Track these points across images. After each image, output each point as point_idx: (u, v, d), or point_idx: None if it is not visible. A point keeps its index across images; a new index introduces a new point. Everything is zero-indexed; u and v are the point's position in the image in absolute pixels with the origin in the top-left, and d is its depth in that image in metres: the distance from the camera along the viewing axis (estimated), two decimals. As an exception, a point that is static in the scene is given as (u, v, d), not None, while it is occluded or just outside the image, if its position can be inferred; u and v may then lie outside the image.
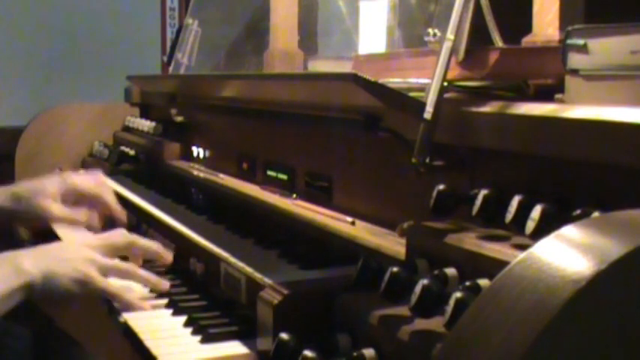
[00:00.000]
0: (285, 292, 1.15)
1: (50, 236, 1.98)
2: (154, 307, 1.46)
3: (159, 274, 1.65)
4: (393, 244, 1.28)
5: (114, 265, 1.47)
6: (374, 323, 1.02)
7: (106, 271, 1.44)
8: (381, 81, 1.26)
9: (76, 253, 1.44)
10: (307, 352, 1.01)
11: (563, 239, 0.67)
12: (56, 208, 1.69)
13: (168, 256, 1.59)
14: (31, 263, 1.36)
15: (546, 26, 1.38)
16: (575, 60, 1.07)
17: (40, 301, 1.46)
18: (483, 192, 1.06)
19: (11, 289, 1.32)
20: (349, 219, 1.49)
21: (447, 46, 1.21)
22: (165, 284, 1.51)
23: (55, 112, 3.20)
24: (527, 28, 1.40)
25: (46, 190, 1.70)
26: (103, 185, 1.79)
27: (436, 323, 0.93)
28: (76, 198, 1.74)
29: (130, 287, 1.50)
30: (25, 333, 1.57)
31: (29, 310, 1.73)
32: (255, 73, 2.29)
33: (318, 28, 2.45)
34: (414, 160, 1.19)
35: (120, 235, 1.56)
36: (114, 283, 1.45)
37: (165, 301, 1.49)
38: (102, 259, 1.45)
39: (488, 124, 1.14)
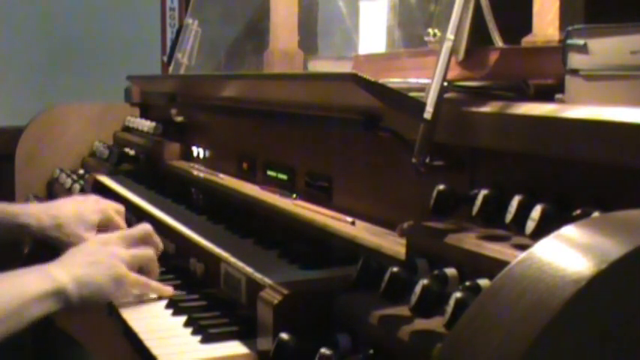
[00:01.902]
0: (285, 292, 1.15)
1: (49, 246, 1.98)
2: (154, 306, 1.47)
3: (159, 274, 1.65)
4: (393, 244, 1.28)
5: (137, 254, 1.50)
6: (374, 323, 1.02)
7: (132, 264, 1.47)
8: (381, 81, 1.26)
9: (101, 254, 1.46)
10: (324, 350, 1.01)
11: (563, 239, 0.67)
12: (92, 239, 1.69)
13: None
14: (59, 271, 1.36)
15: (546, 26, 1.38)
16: (575, 60, 1.07)
17: (80, 310, 1.42)
18: (483, 192, 1.06)
19: (43, 292, 1.32)
20: (349, 219, 1.49)
21: (447, 46, 1.21)
22: (169, 290, 1.53)
23: (55, 112, 3.21)
24: (527, 28, 1.40)
25: (87, 220, 1.74)
26: (122, 218, 1.83)
27: (436, 323, 0.93)
28: (103, 224, 1.78)
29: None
30: (25, 333, 1.57)
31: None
32: (255, 73, 2.29)
33: (318, 28, 2.45)
34: (414, 160, 1.19)
35: (137, 228, 1.60)
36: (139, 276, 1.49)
37: (165, 301, 1.49)
38: (125, 252, 1.48)
39: (488, 124, 1.14)
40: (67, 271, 1.37)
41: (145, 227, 1.59)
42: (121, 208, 1.86)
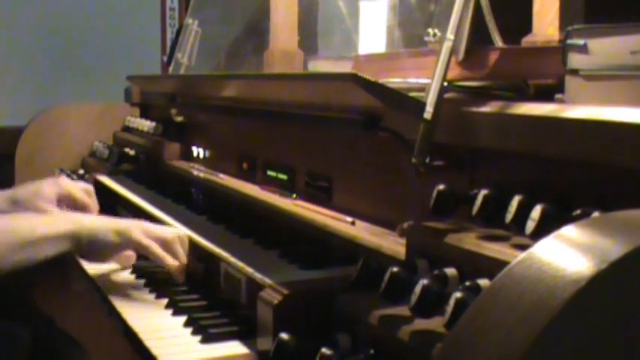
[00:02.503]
0: (285, 292, 1.15)
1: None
2: (154, 306, 1.47)
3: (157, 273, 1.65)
4: (393, 244, 1.28)
5: (156, 231, 1.60)
6: (374, 323, 1.02)
7: (146, 233, 1.58)
8: (381, 81, 1.25)
9: (123, 219, 1.68)
10: (324, 350, 1.01)
11: (563, 239, 0.67)
12: (52, 211, 1.75)
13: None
14: (83, 217, 1.60)
15: (546, 26, 1.38)
16: (575, 60, 1.07)
17: (83, 255, 1.62)
18: (483, 192, 1.06)
19: (59, 233, 1.50)
20: (349, 219, 1.49)
21: (447, 46, 1.21)
22: (175, 263, 1.58)
23: (55, 112, 3.21)
24: (527, 28, 1.40)
25: (43, 193, 1.79)
26: (92, 199, 1.89)
27: (436, 323, 0.93)
28: (68, 203, 1.84)
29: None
30: (25, 333, 1.57)
31: (29, 310, 1.74)
32: (255, 73, 2.29)
33: (318, 28, 2.44)
34: (414, 160, 1.19)
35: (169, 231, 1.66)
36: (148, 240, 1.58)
37: (165, 301, 1.49)
38: (146, 225, 1.62)
39: (488, 124, 1.14)
40: (87, 218, 1.58)
41: (176, 233, 1.64)
42: (89, 187, 1.92)
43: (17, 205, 1.76)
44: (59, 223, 1.53)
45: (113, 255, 1.63)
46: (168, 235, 1.60)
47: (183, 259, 1.59)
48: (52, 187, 1.82)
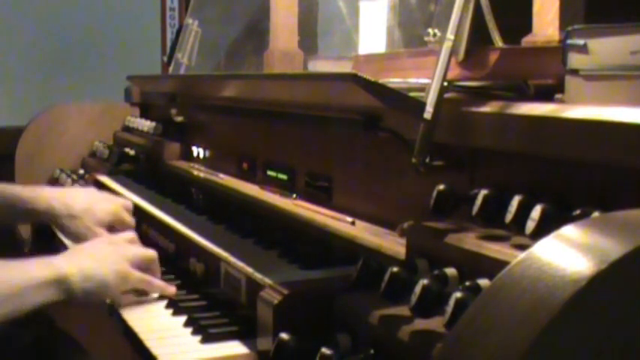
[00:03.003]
0: (285, 292, 1.15)
1: (49, 234, 2.00)
2: (154, 306, 1.47)
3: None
4: (393, 244, 1.28)
5: (141, 254, 1.52)
6: (374, 323, 1.02)
7: (136, 263, 1.49)
8: (381, 81, 1.25)
9: (107, 250, 1.49)
10: (324, 350, 1.01)
11: (563, 239, 0.67)
12: (100, 235, 1.73)
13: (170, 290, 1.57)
14: (63, 262, 1.39)
15: (546, 26, 1.38)
16: (575, 60, 1.07)
17: (82, 303, 1.44)
18: (483, 192, 1.06)
19: (44, 279, 1.34)
20: (349, 219, 1.49)
21: (447, 46, 1.21)
22: (172, 289, 1.54)
23: (55, 112, 3.21)
24: (527, 28, 1.40)
25: (98, 217, 1.76)
26: (130, 214, 1.85)
27: (436, 323, 0.93)
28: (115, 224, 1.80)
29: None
30: (26, 334, 1.57)
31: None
32: (255, 73, 2.29)
33: (318, 28, 2.45)
34: (414, 160, 1.19)
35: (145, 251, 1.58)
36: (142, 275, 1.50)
37: (165, 301, 1.49)
38: (130, 251, 1.51)
39: (488, 124, 1.14)
40: (71, 263, 1.39)
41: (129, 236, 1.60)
42: (129, 204, 1.88)
43: (74, 222, 1.73)
44: (38, 270, 1.36)
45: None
46: (148, 255, 1.54)
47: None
48: (107, 215, 1.77)
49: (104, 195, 1.90)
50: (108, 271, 1.42)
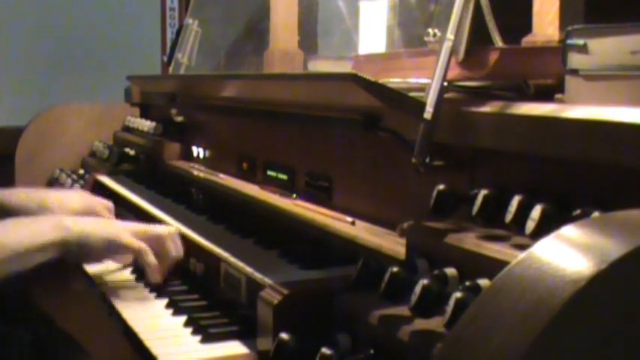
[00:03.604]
0: (285, 292, 1.15)
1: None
2: (154, 306, 1.47)
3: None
4: (393, 244, 1.28)
5: (141, 228, 1.60)
6: (374, 323, 1.02)
7: (136, 235, 1.57)
8: (381, 81, 1.25)
9: (110, 221, 1.66)
10: (324, 350, 1.01)
11: (563, 239, 0.67)
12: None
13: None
14: (71, 222, 1.55)
15: (546, 26, 1.38)
16: (575, 60, 1.07)
17: (74, 260, 1.62)
18: (483, 192, 1.06)
19: (47, 241, 1.49)
20: (349, 219, 1.49)
21: (447, 46, 1.21)
22: (157, 276, 1.58)
23: (55, 112, 3.20)
24: (527, 28, 1.40)
25: (72, 204, 1.82)
26: (111, 215, 1.90)
27: (436, 323, 0.93)
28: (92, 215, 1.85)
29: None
30: (26, 335, 1.57)
31: (29, 311, 1.74)
32: (255, 73, 2.29)
33: (318, 28, 2.44)
34: (414, 160, 1.19)
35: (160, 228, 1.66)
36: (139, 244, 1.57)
37: (165, 301, 1.49)
38: (131, 224, 1.62)
39: (488, 124, 1.14)
40: (76, 223, 1.55)
41: (167, 229, 1.65)
42: (109, 204, 1.92)
43: (46, 210, 1.78)
44: (47, 230, 1.51)
45: (104, 259, 1.64)
46: (159, 231, 1.60)
47: (178, 254, 1.60)
48: (80, 200, 1.85)
49: (76, 190, 1.95)
50: (100, 233, 1.54)
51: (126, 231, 1.57)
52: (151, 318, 1.41)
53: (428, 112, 1.18)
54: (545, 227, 0.93)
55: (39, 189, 1.97)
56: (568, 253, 0.65)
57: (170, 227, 1.66)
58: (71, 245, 1.51)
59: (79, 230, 1.52)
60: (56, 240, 1.49)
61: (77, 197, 1.89)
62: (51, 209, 1.79)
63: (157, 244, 1.58)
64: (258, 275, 1.30)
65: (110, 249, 1.56)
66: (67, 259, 1.57)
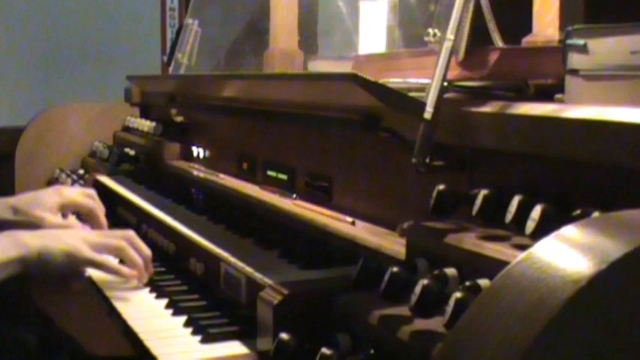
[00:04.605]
0: (285, 292, 1.15)
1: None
2: (154, 306, 1.47)
3: (157, 273, 1.65)
4: (393, 244, 1.28)
5: (104, 242, 1.56)
6: (374, 323, 1.02)
7: (95, 246, 1.54)
8: (381, 81, 1.25)
9: (64, 232, 1.60)
10: (324, 350, 1.01)
11: (563, 239, 0.67)
12: (51, 219, 1.76)
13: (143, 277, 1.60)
14: (29, 238, 1.51)
15: (546, 26, 1.38)
16: (575, 60, 1.07)
17: (36, 278, 1.57)
18: (483, 192, 1.06)
19: (8, 259, 1.45)
20: (349, 219, 1.49)
21: (447, 46, 1.21)
22: (145, 276, 1.57)
23: (55, 112, 3.21)
24: (527, 28, 1.40)
25: (43, 202, 1.79)
26: (96, 201, 1.88)
27: (436, 323, 0.93)
28: (72, 211, 1.85)
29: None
30: (26, 335, 1.57)
31: (29, 311, 1.74)
32: (255, 73, 2.29)
33: (318, 28, 2.45)
34: (414, 160, 1.19)
35: (117, 235, 1.62)
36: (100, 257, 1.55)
37: (165, 301, 1.49)
38: (91, 235, 1.57)
39: (488, 124, 1.14)
40: (34, 239, 1.51)
41: (126, 233, 1.62)
42: (91, 191, 1.91)
43: (18, 214, 1.76)
44: (5, 247, 1.47)
45: (66, 275, 1.57)
46: (115, 244, 1.57)
47: (146, 255, 1.59)
48: (54, 196, 1.81)
49: (55, 187, 1.93)
50: (59, 248, 1.50)
51: (85, 243, 1.54)
52: (151, 318, 1.41)
53: (428, 112, 1.18)
54: (545, 227, 0.93)
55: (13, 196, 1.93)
56: (568, 253, 0.65)
57: (124, 231, 1.63)
58: (31, 261, 1.48)
59: (37, 246, 1.49)
60: (15, 257, 1.46)
61: (52, 193, 1.84)
62: (23, 211, 1.76)
63: (120, 253, 1.58)
64: (258, 275, 1.30)
65: (71, 264, 1.52)
66: (29, 275, 1.52)
